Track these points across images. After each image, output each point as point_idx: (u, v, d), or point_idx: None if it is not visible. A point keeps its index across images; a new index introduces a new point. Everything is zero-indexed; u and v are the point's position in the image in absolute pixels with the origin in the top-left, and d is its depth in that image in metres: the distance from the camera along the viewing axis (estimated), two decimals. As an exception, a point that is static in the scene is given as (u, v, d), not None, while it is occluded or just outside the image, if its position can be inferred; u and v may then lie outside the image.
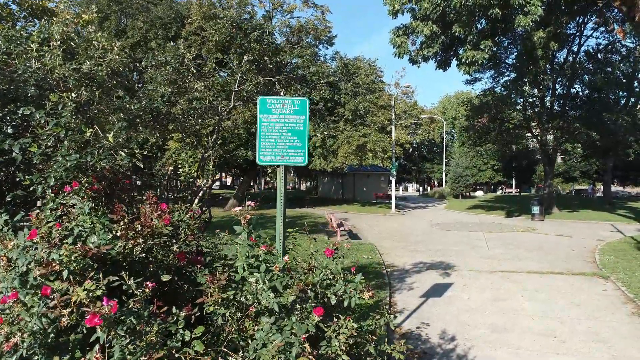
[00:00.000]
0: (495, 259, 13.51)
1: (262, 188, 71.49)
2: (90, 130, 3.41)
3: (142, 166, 3.88)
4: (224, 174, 78.97)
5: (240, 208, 3.24)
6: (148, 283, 2.50)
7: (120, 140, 3.45)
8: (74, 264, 2.48)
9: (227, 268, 3.29)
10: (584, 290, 9.85)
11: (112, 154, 3.50)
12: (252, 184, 61.67)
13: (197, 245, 3.76)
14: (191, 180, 4.76)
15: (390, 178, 34.41)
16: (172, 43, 25.25)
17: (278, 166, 4.61)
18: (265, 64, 6.66)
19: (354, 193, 46.45)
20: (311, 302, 2.84)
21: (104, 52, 4.48)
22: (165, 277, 2.87)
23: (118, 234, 2.84)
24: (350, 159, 32.28)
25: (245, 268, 2.92)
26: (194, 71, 5.29)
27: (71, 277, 2.40)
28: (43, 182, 3.39)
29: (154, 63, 5.18)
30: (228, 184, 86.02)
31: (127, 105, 5.09)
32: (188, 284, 3.24)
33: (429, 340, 7.04)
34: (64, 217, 3.30)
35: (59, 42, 4.06)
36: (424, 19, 17.21)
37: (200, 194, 4.88)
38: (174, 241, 3.13)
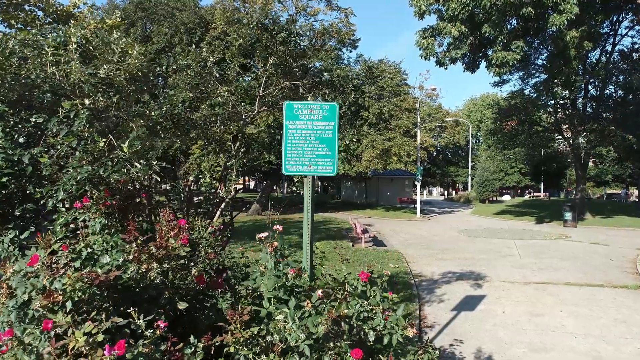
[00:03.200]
0: (529, 269, 12.88)
1: (285, 192, 71.42)
2: (104, 140, 3.13)
3: (158, 179, 3.59)
4: (247, 178, 79.32)
5: (270, 213, 2.92)
6: (159, 322, 2.19)
7: (136, 149, 3.18)
8: (79, 294, 2.20)
9: (250, 291, 2.97)
10: (628, 305, 9.20)
11: (127, 165, 3.23)
12: (275, 188, 61.67)
13: (219, 263, 3.45)
14: (212, 191, 4.47)
15: (416, 182, 33.78)
16: (194, 47, 25.24)
17: (305, 176, 4.28)
18: (291, 67, 6.32)
19: (378, 197, 45.89)
20: (346, 338, 2.49)
21: (122, 55, 4.24)
22: (182, 305, 2.56)
23: (130, 257, 2.55)
24: (375, 163, 31.81)
25: (272, 302, 2.59)
26: (217, 75, 5.01)
27: (75, 312, 2.11)
28: (54, 194, 3.14)
29: (175, 67, 4.93)
30: (251, 187, 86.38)
31: (148, 112, 4.84)
32: (207, 308, 2.93)
33: (464, 359, 6.60)
34: (77, 233, 3.04)
35: (75, 45, 3.83)
36: (452, 19, 16.70)
37: (222, 206, 4.59)
38: (191, 264, 2.83)
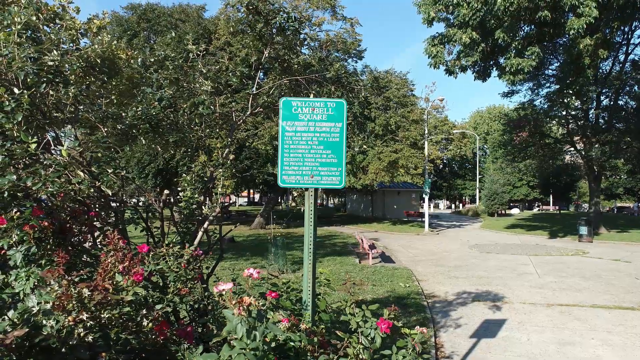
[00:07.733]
0: (549, 289, 11.96)
1: (290, 205, 70.51)
2: (35, 141, 2.38)
3: (108, 192, 2.83)
4: (251, 191, 78.57)
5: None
6: None
7: (77, 154, 2.44)
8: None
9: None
10: (668, 333, 8.28)
11: (68, 174, 2.48)
12: (279, 201, 60.84)
13: (195, 301, 2.66)
14: (194, 207, 3.72)
15: (423, 195, 32.89)
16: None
17: (306, 189, 3.51)
18: (291, 62, 5.59)
19: (384, 211, 44.98)
20: None
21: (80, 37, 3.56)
22: (127, 373, 1.80)
23: (48, 306, 1.79)
24: (381, 176, 31.00)
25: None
26: (203, 70, 4.29)
27: None
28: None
29: (152, 60, 4.21)
30: (256, 200, 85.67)
31: (123, 114, 4.12)
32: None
33: (490, 400, 5.74)
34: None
35: (19, 27, 3.12)
36: (462, 25, 16.01)
37: (205, 226, 3.82)
38: (144, 312, 2.05)
